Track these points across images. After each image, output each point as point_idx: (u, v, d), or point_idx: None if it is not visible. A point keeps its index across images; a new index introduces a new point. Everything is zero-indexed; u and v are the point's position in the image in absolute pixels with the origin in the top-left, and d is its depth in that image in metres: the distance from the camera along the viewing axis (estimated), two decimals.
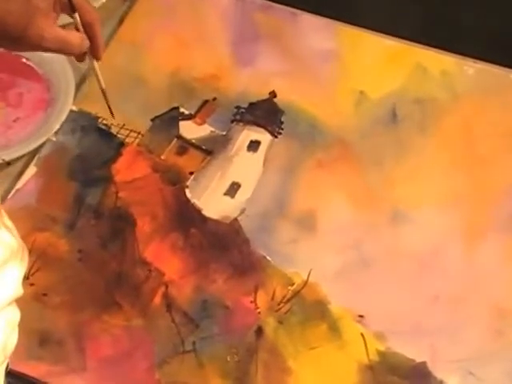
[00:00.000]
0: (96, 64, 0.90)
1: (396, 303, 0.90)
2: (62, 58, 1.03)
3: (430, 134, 1.00)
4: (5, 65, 1.06)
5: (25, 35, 0.80)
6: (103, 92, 0.92)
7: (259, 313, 0.89)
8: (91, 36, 0.87)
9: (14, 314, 0.64)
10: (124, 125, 1.02)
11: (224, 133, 1.02)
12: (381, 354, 0.87)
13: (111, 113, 0.95)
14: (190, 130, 1.02)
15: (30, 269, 0.90)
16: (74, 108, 1.03)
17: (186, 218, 0.95)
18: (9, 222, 0.64)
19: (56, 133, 1.01)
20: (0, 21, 0.79)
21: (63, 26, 0.85)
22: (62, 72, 1.05)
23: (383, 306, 0.89)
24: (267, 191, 0.97)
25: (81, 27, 0.86)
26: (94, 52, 0.89)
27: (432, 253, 0.93)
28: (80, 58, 0.90)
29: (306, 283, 0.91)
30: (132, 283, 0.91)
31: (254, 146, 1.00)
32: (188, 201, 0.96)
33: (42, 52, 0.87)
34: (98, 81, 0.91)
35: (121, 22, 1.11)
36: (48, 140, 1.00)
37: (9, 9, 0.80)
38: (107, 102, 0.93)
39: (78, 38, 0.86)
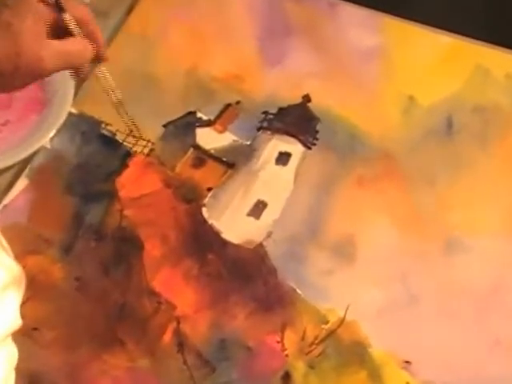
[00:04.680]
0: (104, 70, 0.85)
1: (449, 348, 0.89)
2: None
3: (491, 148, 1.00)
4: None
5: (20, 65, 0.77)
6: (117, 106, 0.87)
7: (287, 355, 0.89)
8: (90, 37, 0.82)
9: (14, 352, 0.65)
10: (131, 131, 1.02)
11: (248, 142, 1.03)
12: None
13: (131, 129, 0.93)
14: (208, 138, 1.03)
15: None
16: (74, 110, 1.05)
17: (202, 242, 0.96)
18: (6, 244, 0.65)
19: (52, 139, 1.03)
20: None
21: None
22: None
23: (433, 351, 0.88)
24: (298, 212, 0.98)
25: (76, 29, 0.80)
26: (96, 54, 0.83)
27: (492, 288, 0.92)
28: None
29: (342, 321, 0.90)
30: (138, 317, 0.92)
31: (283, 158, 1.01)
32: (205, 221, 0.97)
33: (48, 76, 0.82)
34: (108, 91, 0.86)
35: (129, 11, 1.14)
36: (42, 147, 1.02)
37: None
38: (126, 119, 0.90)
39: (78, 44, 0.81)
